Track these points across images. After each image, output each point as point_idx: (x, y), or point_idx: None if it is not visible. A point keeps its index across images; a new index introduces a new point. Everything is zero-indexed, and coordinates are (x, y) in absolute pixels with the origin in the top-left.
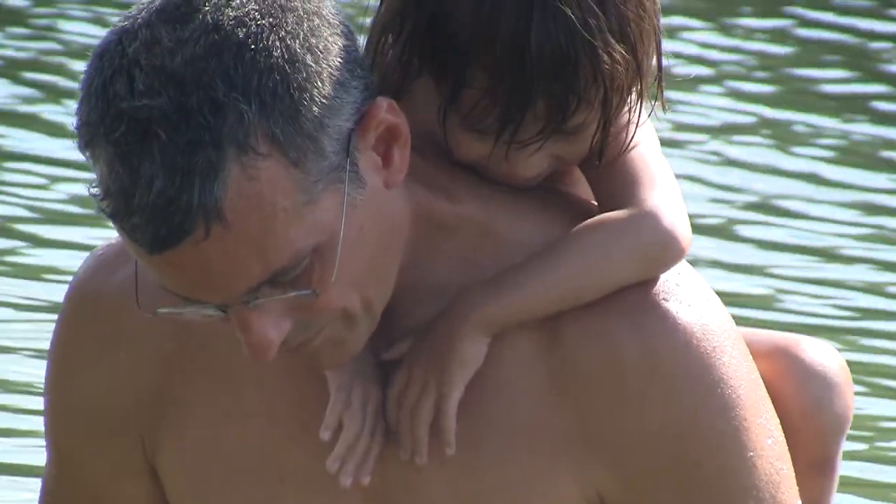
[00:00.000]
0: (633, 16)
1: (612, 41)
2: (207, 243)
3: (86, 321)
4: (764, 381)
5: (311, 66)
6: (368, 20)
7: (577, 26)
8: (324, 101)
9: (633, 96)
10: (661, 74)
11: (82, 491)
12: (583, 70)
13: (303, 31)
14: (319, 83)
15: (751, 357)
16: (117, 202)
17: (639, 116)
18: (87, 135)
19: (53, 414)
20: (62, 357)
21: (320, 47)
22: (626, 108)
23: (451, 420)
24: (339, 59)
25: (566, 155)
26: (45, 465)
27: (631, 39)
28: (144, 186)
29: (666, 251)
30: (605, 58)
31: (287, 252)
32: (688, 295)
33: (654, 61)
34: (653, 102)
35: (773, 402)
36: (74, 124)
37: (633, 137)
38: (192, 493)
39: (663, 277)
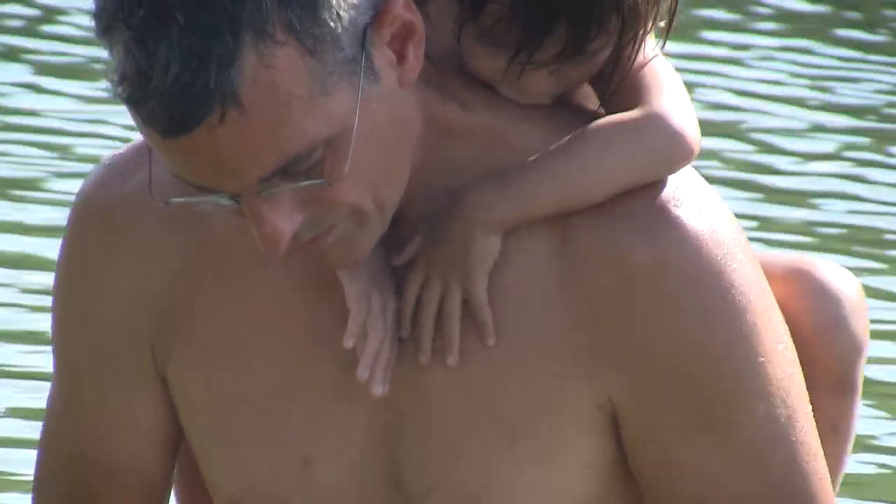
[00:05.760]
0: None
1: None
2: (222, 128)
3: (95, 229)
4: (779, 303)
5: None
6: None
7: None
8: None
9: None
10: (676, 8)
11: (91, 404)
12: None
13: None
14: None
15: (759, 265)
16: (133, 86)
17: (645, 35)
18: (105, 20)
19: (62, 326)
20: (71, 266)
21: None
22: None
23: (487, 310)
24: None
25: (573, 78)
26: (48, 399)
27: None
28: (161, 70)
29: (675, 149)
30: None
31: (300, 141)
32: (697, 201)
33: None
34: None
35: (788, 321)
36: (92, 12)
37: (637, 53)
38: (202, 404)
39: (673, 184)
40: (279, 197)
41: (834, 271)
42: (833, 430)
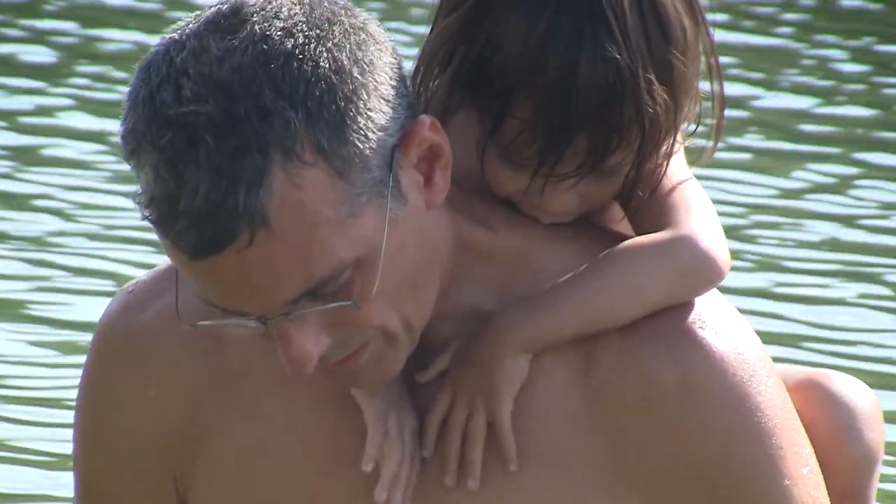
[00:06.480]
0: (677, 63)
1: (656, 85)
2: (251, 250)
3: (115, 359)
4: None
5: (357, 79)
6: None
7: (625, 67)
8: (369, 113)
9: (670, 137)
10: (721, 126)
11: None
12: (627, 110)
13: (349, 43)
14: (365, 95)
15: (784, 386)
16: (162, 208)
17: (672, 152)
18: (133, 142)
19: (84, 451)
20: (92, 395)
21: (366, 61)
22: (662, 147)
23: (509, 436)
24: (384, 74)
25: (596, 195)
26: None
27: (674, 85)
28: (190, 191)
29: (703, 272)
30: (649, 100)
31: (329, 262)
32: (722, 323)
33: (698, 108)
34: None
35: None
36: (120, 134)
37: (665, 171)
38: None
39: (698, 306)
40: (307, 318)
41: (848, 383)
42: None
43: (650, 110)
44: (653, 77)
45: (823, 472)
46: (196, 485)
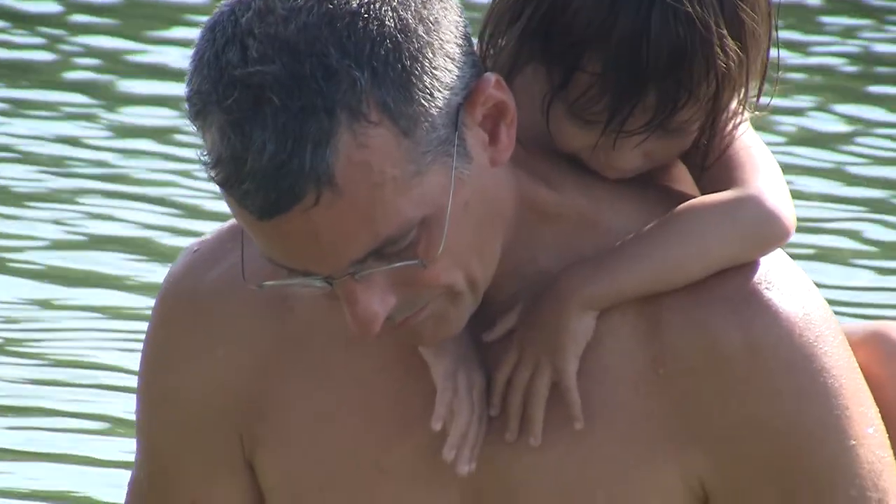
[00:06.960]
0: (748, 19)
1: (729, 41)
2: (317, 210)
3: (181, 319)
4: (861, 369)
5: (422, 37)
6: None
7: (696, 22)
8: (434, 72)
9: (740, 94)
10: (763, 80)
11: (177, 490)
12: (697, 67)
13: (414, 2)
14: (431, 54)
15: (848, 345)
16: (228, 168)
17: (742, 111)
18: (199, 103)
19: (149, 412)
20: (158, 354)
21: (431, 19)
22: (732, 104)
23: (575, 394)
24: (449, 33)
25: (661, 153)
26: (133, 471)
27: (744, 41)
28: (256, 151)
29: (770, 230)
30: (721, 55)
31: (395, 221)
32: (788, 284)
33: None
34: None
35: (870, 388)
36: (185, 95)
37: (736, 129)
38: (290, 490)
39: (763, 266)
40: (373, 278)
41: None
42: None
43: (722, 65)
44: (725, 32)
45: (892, 429)
46: (262, 445)
